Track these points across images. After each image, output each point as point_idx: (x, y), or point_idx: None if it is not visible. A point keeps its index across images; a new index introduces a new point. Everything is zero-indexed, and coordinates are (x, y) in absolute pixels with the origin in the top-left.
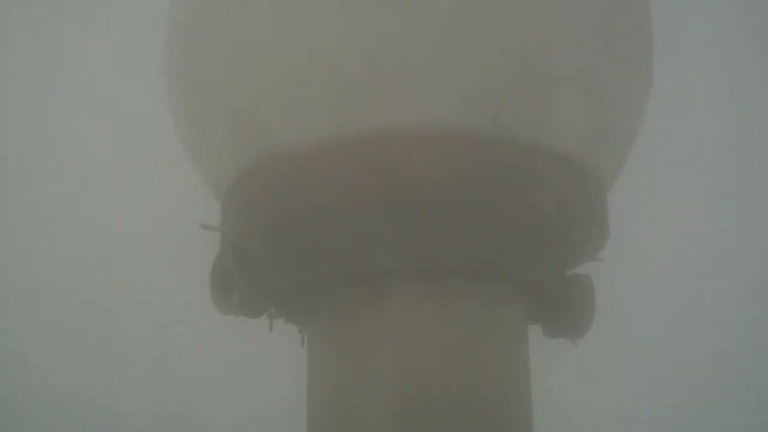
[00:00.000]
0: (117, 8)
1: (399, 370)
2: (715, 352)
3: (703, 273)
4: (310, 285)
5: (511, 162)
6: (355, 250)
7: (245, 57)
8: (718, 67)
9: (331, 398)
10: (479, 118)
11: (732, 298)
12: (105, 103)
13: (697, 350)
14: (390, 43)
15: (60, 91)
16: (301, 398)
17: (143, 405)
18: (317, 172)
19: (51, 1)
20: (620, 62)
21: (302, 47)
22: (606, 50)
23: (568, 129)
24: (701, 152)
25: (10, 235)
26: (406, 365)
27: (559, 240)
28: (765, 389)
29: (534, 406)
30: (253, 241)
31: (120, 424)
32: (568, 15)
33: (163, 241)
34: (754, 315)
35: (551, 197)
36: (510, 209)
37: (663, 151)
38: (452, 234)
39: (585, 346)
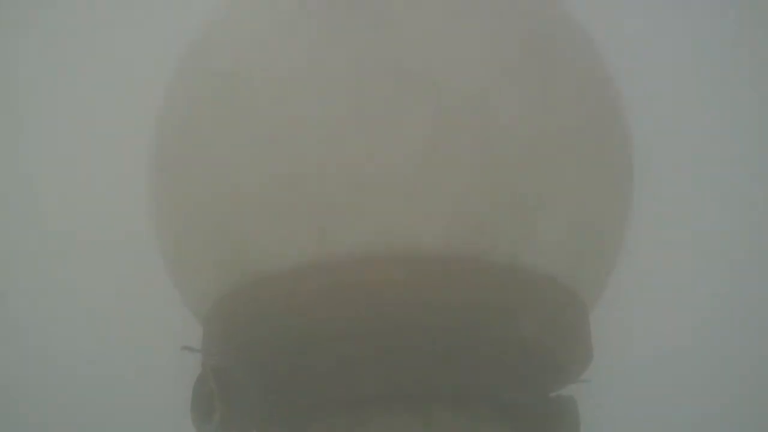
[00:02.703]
0: (100, 126)
1: None
2: None
3: (691, 393)
4: (292, 409)
5: (493, 284)
6: (337, 375)
7: (226, 177)
8: (704, 184)
9: None
10: (462, 241)
11: (721, 418)
12: (88, 219)
13: None
14: (372, 164)
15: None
16: None
17: None
18: (299, 295)
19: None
20: (600, 188)
21: (284, 167)
22: (587, 173)
23: (549, 250)
24: (687, 268)
25: None
26: None
27: (542, 362)
28: None
29: None
30: (234, 364)
31: None
32: (549, 140)
33: (142, 361)
34: None
35: (534, 319)
36: (493, 332)
37: (646, 270)
38: (434, 358)
39: None
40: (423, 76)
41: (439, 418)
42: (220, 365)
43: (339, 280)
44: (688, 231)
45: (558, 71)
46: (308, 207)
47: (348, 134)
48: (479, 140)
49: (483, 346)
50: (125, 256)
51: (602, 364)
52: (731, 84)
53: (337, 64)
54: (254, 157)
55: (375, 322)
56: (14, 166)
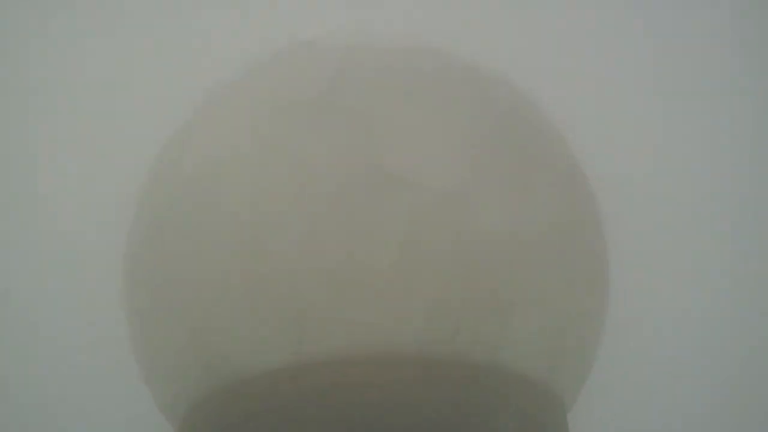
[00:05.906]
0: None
1: None
2: None
3: None
4: None
5: (471, 384)
6: None
7: (201, 282)
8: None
9: None
10: (439, 341)
11: None
12: (61, 321)
13: None
14: (349, 266)
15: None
16: None
17: None
18: (276, 398)
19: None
20: (576, 288)
21: (259, 270)
22: (562, 276)
23: (526, 351)
24: (665, 368)
25: None
26: None
27: None
28: None
29: None
30: None
31: None
32: (525, 241)
33: None
34: None
35: (512, 419)
36: (471, 431)
37: (623, 370)
38: None
39: None
40: (400, 176)
41: None
42: None
43: (316, 383)
44: (665, 331)
45: (534, 173)
46: (285, 310)
47: (325, 235)
48: (456, 241)
49: None
50: (98, 360)
51: None
52: (704, 175)
53: (315, 166)
54: (229, 259)
55: (353, 425)
56: None
